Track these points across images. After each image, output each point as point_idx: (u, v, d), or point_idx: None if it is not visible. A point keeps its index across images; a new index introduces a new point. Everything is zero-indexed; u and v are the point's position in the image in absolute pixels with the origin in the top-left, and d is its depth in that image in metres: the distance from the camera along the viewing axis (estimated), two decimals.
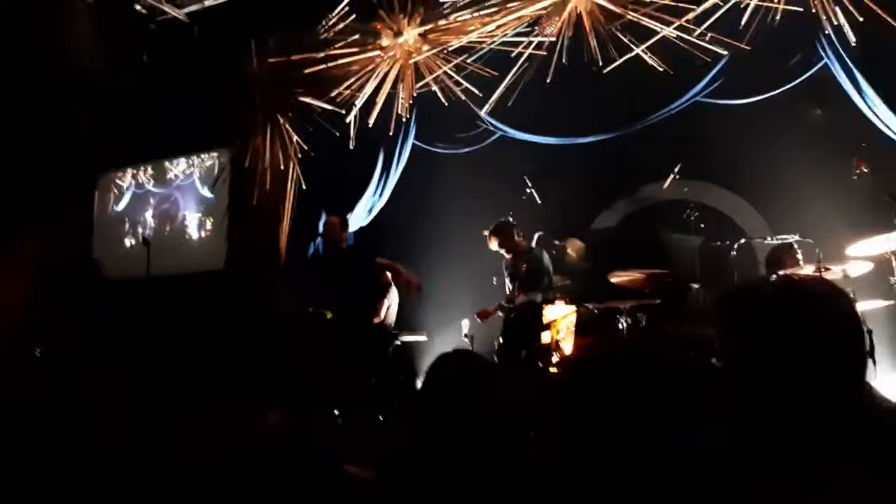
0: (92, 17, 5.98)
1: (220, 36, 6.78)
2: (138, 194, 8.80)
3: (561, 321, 5.44)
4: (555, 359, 5.31)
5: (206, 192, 8.23)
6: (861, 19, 4.52)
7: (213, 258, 7.83)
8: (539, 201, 6.11)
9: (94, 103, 6.86)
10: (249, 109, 6.82)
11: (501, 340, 5.77)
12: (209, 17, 6.89)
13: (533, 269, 5.72)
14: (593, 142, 6.25)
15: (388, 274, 6.72)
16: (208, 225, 8.25)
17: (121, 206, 8.89)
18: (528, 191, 6.18)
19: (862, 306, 4.73)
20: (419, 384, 2.18)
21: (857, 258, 4.79)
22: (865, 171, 4.66)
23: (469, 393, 1.96)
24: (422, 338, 7.09)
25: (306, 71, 6.46)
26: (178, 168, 8.55)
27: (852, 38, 4.68)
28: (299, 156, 6.80)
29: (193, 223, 8.38)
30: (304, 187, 6.82)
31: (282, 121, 6.76)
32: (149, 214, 8.68)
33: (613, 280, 5.42)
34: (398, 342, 6.91)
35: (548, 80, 5.43)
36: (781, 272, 5.05)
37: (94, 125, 7.41)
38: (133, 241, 8.56)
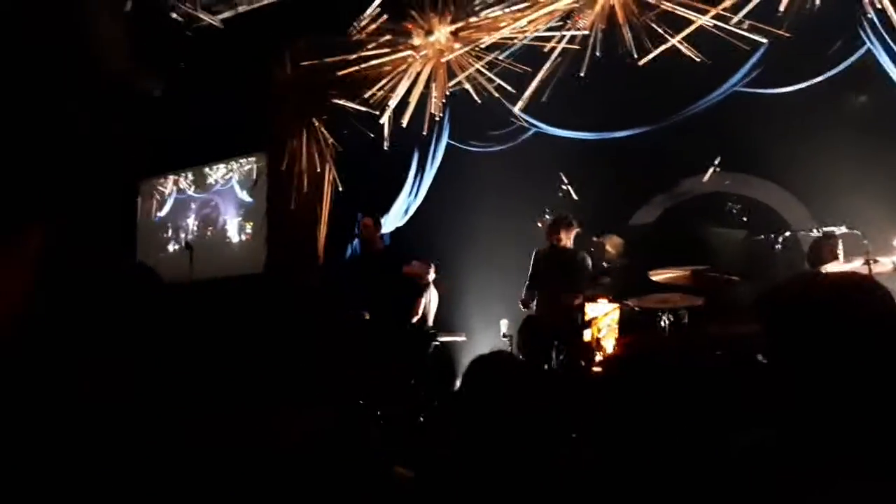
0: (129, 25, 6.10)
1: (253, 41, 6.87)
2: (180, 200, 8.99)
3: (602, 319, 5.36)
4: (598, 357, 5.24)
5: (246, 197, 8.37)
6: None
7: (253, 261, 7.95)
8: (575, 198, 6.04)
9: (132, 111, 7.02)
10: (284, 113, 6.90)
11: (532, 337, 5.65)
12: (243, 23, 6.99)
13: (579, 268, 5.63)
14: (630, 136, 6.16)
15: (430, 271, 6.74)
16: (248, 229, 8.38)
17: (163, 212, 9.09)
18: (564, 187, 6.12)
19: None
20: (457, 386, 2.17)
21: None
22: None
23: (507, 395, 1.95)
24: (460, 338, 7.09)
25: (339, 73, 6.49)
26: (217, 173, 8.70)
27: None
28: (334, 158, 6.85)
29: (233, 227, 8.53)
30: (340, 189, 6.87)
31: (316, 124, 6.82)
32: (190, 219, 8.86)
33: (654, 278, 5.32)
34: (437, 342, 6.92)
35: (582, 75, 5.37)
36: (823, 266, 4.93)
37: (133, 132, 7.56)
38: (175, 246, 8.75)
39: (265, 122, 6.90)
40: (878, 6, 4.52)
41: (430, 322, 6.85)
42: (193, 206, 8.90)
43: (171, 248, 8.87)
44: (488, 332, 6.84)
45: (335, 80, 6.61)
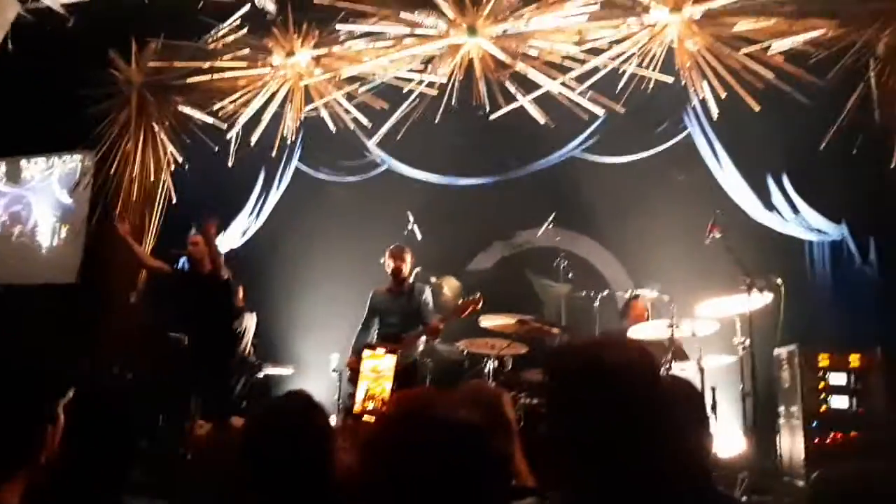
0: None
1: (96, 32, 6.38)
2: None
3: (363, 362, 5.07)
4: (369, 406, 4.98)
5: (65, 198, 7.65)
6: (724, 95, 4.91)
7: (64, 270, 7.26)
8: (420, 238, 6.11)
9: None
10: (122, 113, 6.43)
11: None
12: (87, 11, 6.46)
13: (424, 302, 5.56)
14: (476, 184, 6.38)
15: (242, 296, 6.43)
16: (63, 233, 7.64)
17: None
18: (410, 226, 6.18)
19: (707, 362, 5.05)
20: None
21: (706, 318, 5.10)
22: (718, 235, 4.99)
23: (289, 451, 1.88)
24: (287, 371, 6.84)
25: (189, 80, 6.18)
26: (35, 168, 7.91)
27: (715, 112, 5.08)
28: (172, 167, 6.45)
29: (46, 229, 7.74)
30: (174, 201, 6.46)
31: (157, 129, 6.41)
32: None
33: (484, 323, 5.45)
34: (260, 375, 6.61)
35: (436, 120, 5.49)
36: (631, 325, 5.36)
37: None
38: None
39: (98, 119, 6.38)
40: (701, 97, 5.06)
41: (248, 349, 6.52)
42: (2, 200, 8.01)
43: None
44: (318, 366, 6.66)
45: (184, 86, 6.28)
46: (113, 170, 6.46)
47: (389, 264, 5.57)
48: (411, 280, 5.65)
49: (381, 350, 5.08)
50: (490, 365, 5.43)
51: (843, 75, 4.66)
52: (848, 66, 4.67)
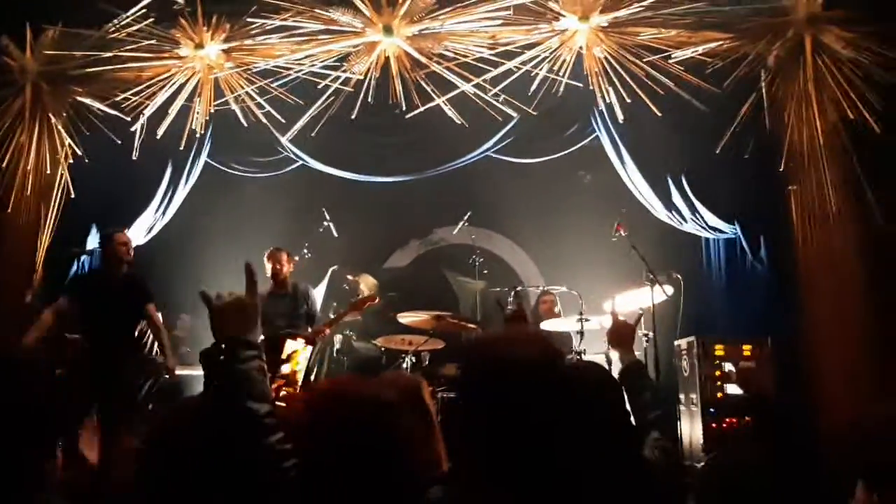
0: None
1: None
2: None
3: (299, 354, 5.21)
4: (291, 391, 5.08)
5: None
6: (628, 101, 5.16)
7: None
8: (336, 235, 6.07)
9: None
10: (15, 103, 6.04)
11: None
12: None
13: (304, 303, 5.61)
14: (392, 182, 6.40)
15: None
16: None
17: None
18: (325, 223, 6.13)
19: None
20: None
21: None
22: (623, 234, 5.27)
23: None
24: (197, 372, 6.65)
25: (90, 70, 5.88)
26: None
27: (620, 116, 5.32)
28: (70, 161, 6.12)
29: None
30: (72, 196, 6.14)
31: (53, 120, 6.06)
32: None
33: (402, 320, 5.51)
34: (167, 375, 6.40)
35: (353, 117, 5.48)
36: (543, 320, 5.57)
37: None
38: None
39: None
40: (607, 101, 5.28)
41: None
42: None
43: None
44: None
45: (84, 76, 5.97)
46: (5, 163, 6.07)
47: (268, 267, 5.62)
48: (293, 280, 5.71)
49: (298, 340, 5.11)
50: (407, 361, 5.49)
51: (738, 84, 5.01)
52: (742, 75, 5.02)
